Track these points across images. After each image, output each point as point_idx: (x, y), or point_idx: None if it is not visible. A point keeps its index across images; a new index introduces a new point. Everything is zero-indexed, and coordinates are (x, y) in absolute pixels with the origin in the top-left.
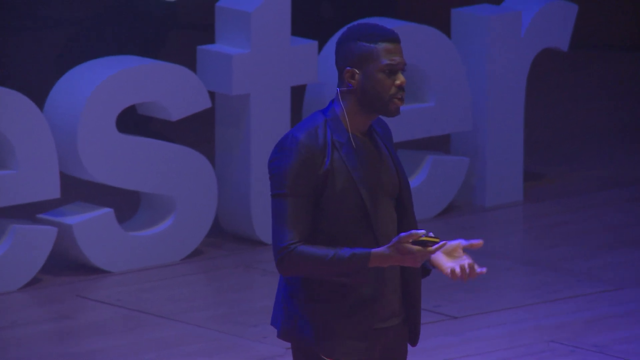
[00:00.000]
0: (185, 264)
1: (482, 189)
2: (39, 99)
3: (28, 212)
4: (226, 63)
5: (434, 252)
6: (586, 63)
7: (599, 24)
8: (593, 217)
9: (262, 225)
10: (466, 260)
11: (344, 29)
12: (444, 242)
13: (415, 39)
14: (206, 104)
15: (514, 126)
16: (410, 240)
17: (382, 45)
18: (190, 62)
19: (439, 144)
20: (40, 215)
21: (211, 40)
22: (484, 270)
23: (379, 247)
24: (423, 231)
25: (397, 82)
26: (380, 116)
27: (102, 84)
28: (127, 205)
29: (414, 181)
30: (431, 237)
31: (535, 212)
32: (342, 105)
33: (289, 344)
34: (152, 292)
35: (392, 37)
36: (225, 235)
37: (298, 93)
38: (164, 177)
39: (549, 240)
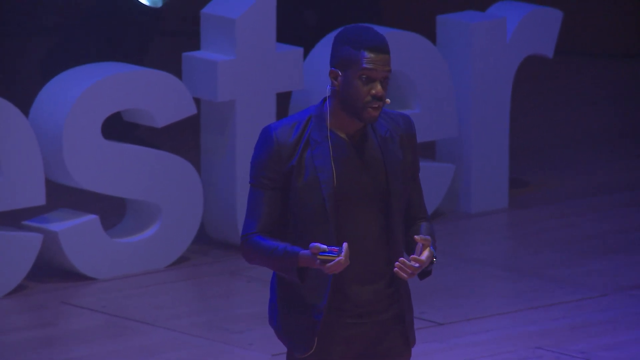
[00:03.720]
0: (170, 271)
1: (467, 195)
2: (25, 106)
3: (13, 219)
4: (211, 69)
5: (327, 270)
6: (571, 70)
7: (585, 31)
8: (578, 224)
9: None
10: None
11: (341, 28)
12: (339, 259)
13: (400, 45)
14: (191, 110)
15: (499, 133)
16: (316, 252)
17: (365, 53)
18: (175, 69)
19: (425, 151)
20: (25, 222)
21: (196, 47)
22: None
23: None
24: (324, 247)
25: (373, 91)
26: (402, 114)
27: (88, 90)
28: (113, 211)
29: None
30: (328, 256)
31: (520, 218)
32: (328, 103)
33: (274, 351)
34: (137, 299)
35: (378, 47)
36: (210, 242)
37: (283, 99)
38: (149, 183)
39: (534, 246)
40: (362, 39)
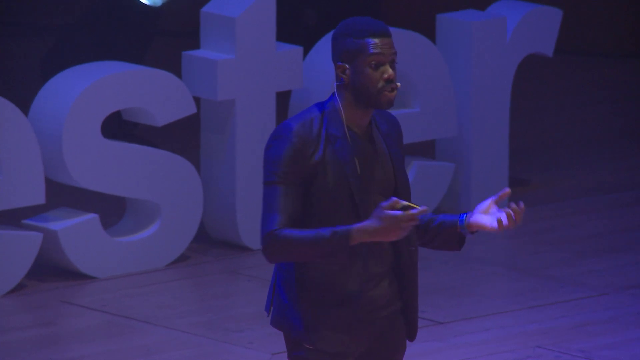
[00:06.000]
0: (170, 270)
1: (467, 194)
2: (24, 105)
3: (13, 218)
4: (211, 69)
5: (416, 215)
6: (571, 69)
7: (585, 30)
8: (577, 224)
9: (247, 230)
10: (505, 210)
11: (339, 24)
12: (424, 207)
13: (399, 44)
14: (191, 109)
15: (499, 132)
16: (396, 204)
17: (369, 40)
18: (175, 68)
19: (424, 150)
20: (25, 221)
21: (196, 46)
22: (522, 205)
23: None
24: (404, 202)
25: (385, 75)
26: (391, 113)
27: (87, 89)
28: (113, 210)
29: None
30: (411, 204)
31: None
32: (338, 99)
33: (274, 350)
34: (138, 298)
35: (380, 31)
36: (210, 241)
37: (283, 98)
38: (149, 182)
39: (534, 246)
40: (362, 27)
